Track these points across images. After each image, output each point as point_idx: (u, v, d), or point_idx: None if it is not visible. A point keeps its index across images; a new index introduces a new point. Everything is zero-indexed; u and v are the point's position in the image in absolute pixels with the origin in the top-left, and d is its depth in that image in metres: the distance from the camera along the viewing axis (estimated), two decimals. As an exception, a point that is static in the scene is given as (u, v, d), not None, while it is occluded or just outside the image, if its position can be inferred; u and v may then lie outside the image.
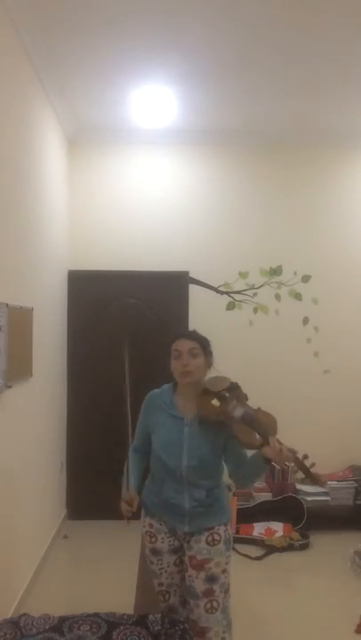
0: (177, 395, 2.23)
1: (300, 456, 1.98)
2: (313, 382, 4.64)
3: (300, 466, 1.99)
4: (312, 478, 2.01)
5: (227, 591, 2.18)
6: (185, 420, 2.16)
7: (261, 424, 2.03)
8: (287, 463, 1.97)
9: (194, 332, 2.28)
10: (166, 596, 2.27)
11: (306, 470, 2.00)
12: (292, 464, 1.94)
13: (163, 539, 2.22)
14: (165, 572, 2.24)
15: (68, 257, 4.50)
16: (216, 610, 2.12)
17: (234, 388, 2.15)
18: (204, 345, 2.20)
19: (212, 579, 2.13)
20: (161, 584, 2.26)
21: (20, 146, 3.08)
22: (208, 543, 2.14)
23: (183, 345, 2.16)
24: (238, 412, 2.06)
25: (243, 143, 4.62)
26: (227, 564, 2.17)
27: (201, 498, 2.14)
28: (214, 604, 2.12)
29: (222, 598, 2.14)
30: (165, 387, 2.29)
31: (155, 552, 2.24)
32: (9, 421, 2.88)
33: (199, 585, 2.13)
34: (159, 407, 2.23)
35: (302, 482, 1.87)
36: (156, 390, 2.31)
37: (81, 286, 4.54)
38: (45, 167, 3.68)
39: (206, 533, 2.15)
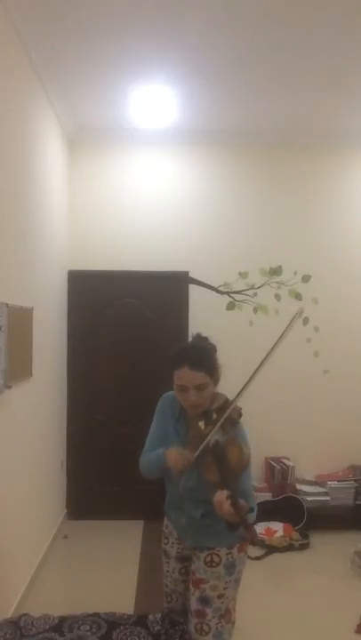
0: (184, 408, 2.07)
1: (243, 505, 1.70)
2: (313, 382, 4.64)
3: (242, 521, 1.68)
4: (248, 536, 1.72)
5: (222, 617, 2.02)
6: (186, 440, 2.03)
7: (224, 460, 1.79)
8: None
9: (198, 353, 1.99)
10: (169, 599, 2.26)
11: (245, 526, 1.69)
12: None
13: (173, 543, 2.20)
14: (170, 576, 2.22)
15: (68, 257, 4.50)
16: (206, 633, 1.99)
17: (222, 409, 1.93)
18: (211, 371, 1.96)
19: (205, 600, 2.00)
20: (166, 585, 2.26)
21: (20, 146, 3.08)
22: (206, 563, 2.02)
23: (189, 379, 1.91)
24: (212, 441, 1.85)
25: (243, 143, 4.61)
26: (225, 589, 2.01)
27: (196, 517, 2.03)
28: (204, 627, 1.99)
29: (215, 624, 2.00)
30: None
31: (165, 553, 2.24)
32: (9, 421, 2.88)
33: (193, 603, 2.03)
34: (170, 415, 2.11)
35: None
36: (171, 393, 2.11)
37: (81, 286, 4.54)
38: (45, 167, 3.68)
39: (206, 552, 2.03)
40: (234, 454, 1.82)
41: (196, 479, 1.96)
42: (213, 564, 2.01)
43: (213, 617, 2.00)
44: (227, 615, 2.04)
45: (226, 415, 1.90)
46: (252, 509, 1.79)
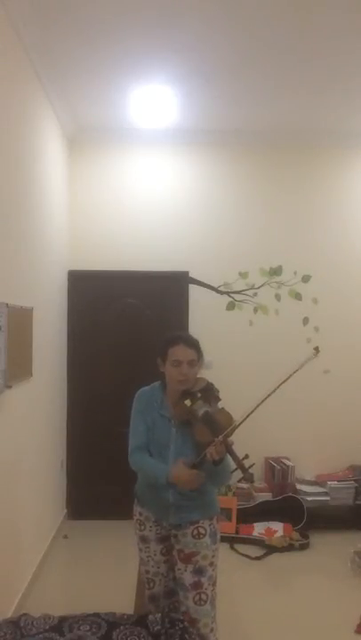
0: (166, 395, 2.27)
1: (240, 455, 2.01)
2: (313, 382, 4.63)
3: (238, 464, 2.00)
4: (246, 476, 2.02)
5: (214, 584, 2.21)
6: (173, 421, 2.21)
7: (215, 423, 2.05)
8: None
9: (190, 337, 2.28)
10: (151, 584, 2.32)
11: (243, 468, 2.01)
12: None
13: (150, 527, 2.28)
14: (152, 559, 2.29)
15: (68, 257, 4.50)
16: (205, 602, 2.15)
17: (207, 389, 2.19)
18: (200, 352, 2.23)
19: (199, 571, 2.17)
20: (147, 571, 2.32)
21: (20, 146, 3.08)
22: (194, 537, 2.19)
23: (184, 354, 2.17)
24: (201, 412, 2.10)
25: (242, 143, 4.61)
26: (213, 557, 2.21)
27: (184, 492, 2.16)
28: (203, 596, 2.15)
29: (211, 591, 2.18)
30: (156, 385, 2.32)
31: (143, 539, 2.31)
32: (9, 421, 2.88)
33: (188, 578, 2.17)
34: (152, 406, 2.27)
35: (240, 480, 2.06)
36: (147, 388, 2.34)
37: (81, 286, 4.54)
38: (45, 167, 3.68)
39: (191, 527, 2.19)
40: (223, 416, 2.10)
41: (183, 458, 2.11)
42: (200, 536, 2.19)
43: (209, 585, 2.18)
44: (215, 582, 2.22)
45: (213, 393, 2.20)
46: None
